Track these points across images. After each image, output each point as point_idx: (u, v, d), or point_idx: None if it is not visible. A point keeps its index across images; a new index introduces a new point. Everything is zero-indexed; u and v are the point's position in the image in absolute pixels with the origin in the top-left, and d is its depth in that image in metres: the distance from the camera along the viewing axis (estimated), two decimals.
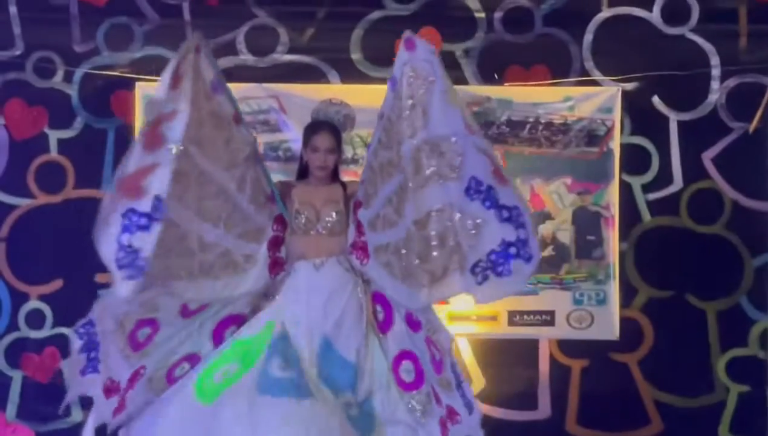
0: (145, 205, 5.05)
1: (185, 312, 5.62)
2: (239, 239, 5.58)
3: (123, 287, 5.11)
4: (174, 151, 5.13)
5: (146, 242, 5.06)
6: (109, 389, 5.62)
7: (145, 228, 5.06)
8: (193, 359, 5.64)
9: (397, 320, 5.64)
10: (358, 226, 5.62)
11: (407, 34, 5.19)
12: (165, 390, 5.58)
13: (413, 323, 5.55)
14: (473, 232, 5.11)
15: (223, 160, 5.43)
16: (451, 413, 5.46)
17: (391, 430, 5.56)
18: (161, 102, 5.20)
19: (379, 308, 5.69)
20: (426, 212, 5.18)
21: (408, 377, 5.62)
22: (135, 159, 5.10)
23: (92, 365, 5.74)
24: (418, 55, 5.17)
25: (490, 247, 5.10)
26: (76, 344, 5.73)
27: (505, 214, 5.09)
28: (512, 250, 5.09)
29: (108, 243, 5.10)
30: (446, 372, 5.47)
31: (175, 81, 5.21)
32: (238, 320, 5.69)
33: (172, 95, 5.19)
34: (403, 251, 5.34)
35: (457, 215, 5.12)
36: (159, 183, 5.09)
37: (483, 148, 5.14)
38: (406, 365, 5.63)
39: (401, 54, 5.22)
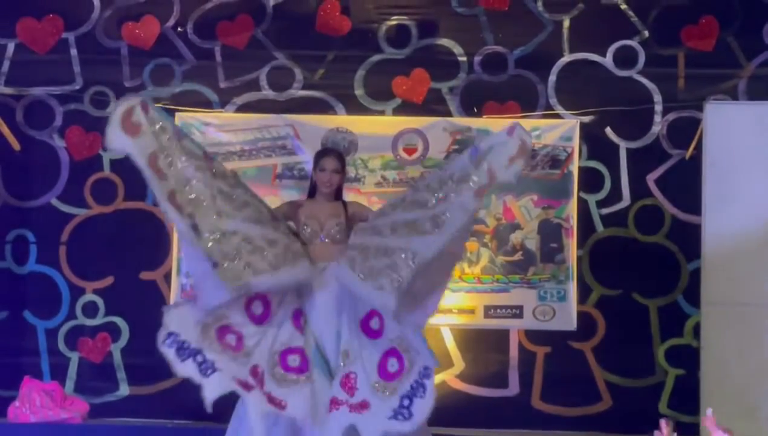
0: (188, 220, 5.30)
1: (254, 318, 5.60)
2: (287, 235, 5.61)
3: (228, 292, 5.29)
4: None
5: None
6: (243, 384, 5.49)
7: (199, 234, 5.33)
8: (298, 351, 5.61)
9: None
10: None
11: (513, 123, 5.30)
12: (288, 377, 5.55)
13: (370, 331, 5.59)
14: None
15: (223, 181, 5.48)
16: (361, 406, 5.47)
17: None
18: (139, 145, 5.24)
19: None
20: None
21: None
22: (158, 187, 5.26)
23: (208, 366, 5.48)
24: (513, 137, 5.23)
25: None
26: (170, 352, 5.47)
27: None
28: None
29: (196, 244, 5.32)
30: (396, 382, 5.44)
31: (137, 129, 5.24)
32: (301, 312, 5.67)
33: (145, 140, 5.24)
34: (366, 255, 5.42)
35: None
36: (184, 202, 5.31)
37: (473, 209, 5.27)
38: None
39: (501, 135, 5.26)
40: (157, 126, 5.33)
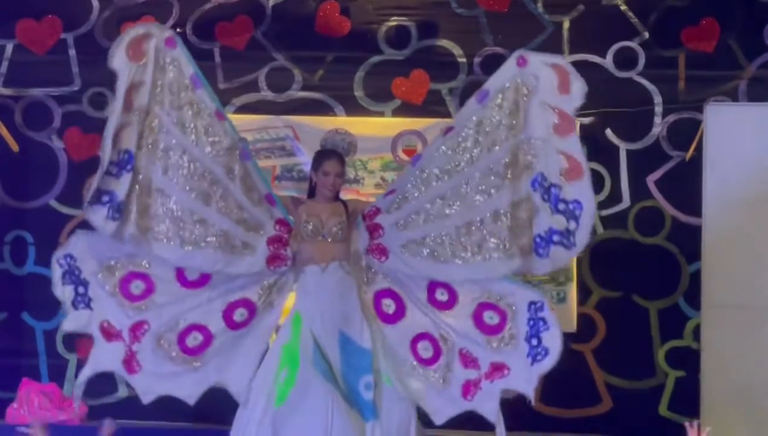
0: (114, 155, 5.28)
1: (184, 282, 5.62)
2: (237, 225, 5.55)
3: (107, 225, 5.26)
4: (138, 114, 5.32)
5: (118, 186, 5.27)
6: (109, 333, 5.56)
7: (116, 176, 5.29)
8: (204, 331, 5.62)
9: (410, 309, 5.73)
10: (373, 229, 5.70)
11: (521, 52, 5.32)
12: (180, 356, 5.57)
13: (439, 304, 5.63)
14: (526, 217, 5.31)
15: (205, 145, 5.46)
16: (495, 370, 5.54)
17: (388, 406, 5.58)
18: (128, 71, 5.29)
19: (388, 301, 5.76)
20: (517, 200, 5.34)
21: (426, 353, 5.70)
22: (116, 116, 5.28)
23: (83, 300, 5.55)
24: (527, 70, 5.28)
25: (536, 232, 5.27)
26: (57, 271, 5.51)
27: (561, 206, 5.22)
28: (555, 237, 5.25)
29: (89, 190, 5.32)
30: (508, 330, 5.50)
31: (140, 56, 5.30)
32: (249, 306, 5.68)
33: (140, 68, 5.30)
34: (451, 238, 5.46)
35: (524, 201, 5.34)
36: (128, 139, 5.31)
37: (563, 149, 5.25)
38: (423, 344, 5.70)
39: (510, 68, 5.33)
40: (169, 65, 5.36)
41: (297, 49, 8.35)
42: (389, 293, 5.77)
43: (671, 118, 8.15)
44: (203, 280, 5.64)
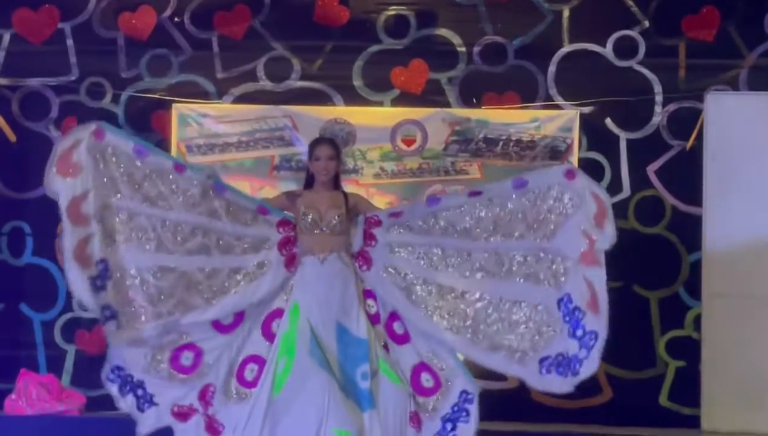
0: (93, 271, 5.25)
1: (222, 329, 5.60)
2: (244, 255, 5.57)
3: (122, 334, 5.32)
4: (97, 222, 5.29)
5: (111, 296, 5.27)
6: (182, 414, 5.56)
7: (103, 287, 5.28)
8: (257, 360, 5.60)
9: (382, 317, 5.71)
10: (369, 237, 5.66)
11: (571, 166, 5.47)
12: (239, 391, 5.56)
13: (393, 333, 5.63)
14: (544, 332, 5.30)
15: (179, 205, 5.45)
16: (411, 418, 5.54)
17: (385, 395, 5.54)
18: (67, 189, 5.23)
19: (371, 302, 5.71)
20: (513, 301, 5.36)
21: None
22: (69, 236, 5.24)
23: (146, 400, 5.52)
24: (575, 185, 5.25)
25: (548, 351, 5.30)
26: (113, 388, 5.51)
27: (579, 333, 5.21)
28: (561, 360, 5.27)
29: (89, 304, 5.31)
30: (434, 401, 5.55)
31: (73, 169, 5.24)
32: (279, 314, 5.66)
33: (76, 181, 5.25)
34: (432, 290, 5.50)
35: (543, 313, 5.30)
36: (97, 250, 5.28)
37: (591, 280, 5.17)
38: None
39: (556, 174, 5.33)
40: (110, 155, 5.31)
41: (295, 38, 8.32)
42: (371, 294, 5.72)
43: (671, 107, 8.13)
44: (238, 318, 5.63)
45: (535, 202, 5.34)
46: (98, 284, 5.29)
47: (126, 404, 5.53)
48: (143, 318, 5.38)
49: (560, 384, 5.32)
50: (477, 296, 5.47)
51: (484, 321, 5.44)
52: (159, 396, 5.54)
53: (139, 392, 5.52)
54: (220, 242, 5.53)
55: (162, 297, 5.42)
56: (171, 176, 5.45)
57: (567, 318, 5.26)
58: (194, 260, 5.49)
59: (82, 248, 5.28)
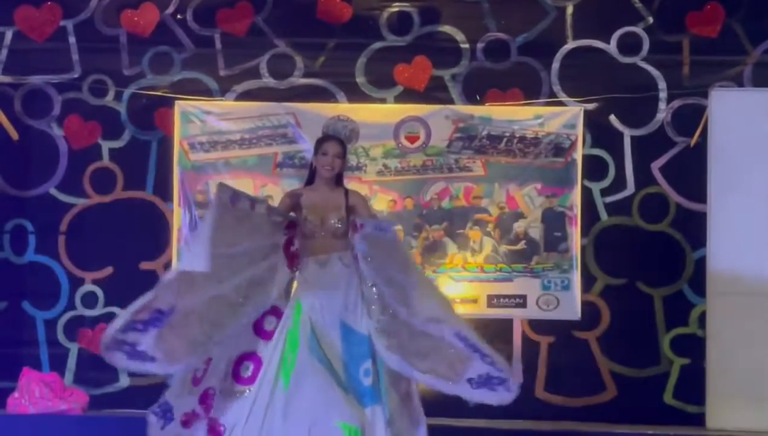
0: (145, 314, 5.38)
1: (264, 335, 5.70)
2: (263, 260, 5.62)
3: (141, 366, 5.31)
4: None
5: (141, 338, 5.31)
6: (187, 421, 5.57)
7: (142, 331, 5.35)
8: (253, 357, 5.63)
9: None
10: (354, 228, 5.67)
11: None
12: (236, 389, 5.59)
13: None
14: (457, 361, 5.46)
15: (246, 239, 5.54)
16: None
17: (387, 388, 5.61)
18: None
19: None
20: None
21: None
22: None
23: (169, 418, 5.58)
24: None
25: (469, 375, 5.47)
26: (152, 421, 5.55)
27: (488, 360, 5.44)
28: (488, 382, 5.46)
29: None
30: None
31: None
32: (272, 312, 5.69)
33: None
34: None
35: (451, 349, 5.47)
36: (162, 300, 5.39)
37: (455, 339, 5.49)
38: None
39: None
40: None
41: (298, 35, 8.28)
42: None
43: (676, 103, 8.10)
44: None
45: None
46: (138, 327, 5.34)
47: (165, 434, 5.57)
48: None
49: (497, 397, 5.49)
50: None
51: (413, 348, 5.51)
52: (176, 410, 5.58)
53: (169, 414, 5.57)
54: (244, 259, 5.57)
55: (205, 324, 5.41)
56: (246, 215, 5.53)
57: (471, 348, 5.44)
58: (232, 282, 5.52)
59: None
